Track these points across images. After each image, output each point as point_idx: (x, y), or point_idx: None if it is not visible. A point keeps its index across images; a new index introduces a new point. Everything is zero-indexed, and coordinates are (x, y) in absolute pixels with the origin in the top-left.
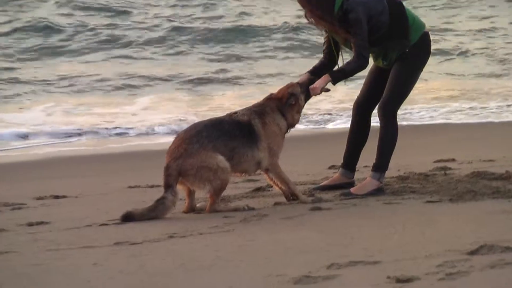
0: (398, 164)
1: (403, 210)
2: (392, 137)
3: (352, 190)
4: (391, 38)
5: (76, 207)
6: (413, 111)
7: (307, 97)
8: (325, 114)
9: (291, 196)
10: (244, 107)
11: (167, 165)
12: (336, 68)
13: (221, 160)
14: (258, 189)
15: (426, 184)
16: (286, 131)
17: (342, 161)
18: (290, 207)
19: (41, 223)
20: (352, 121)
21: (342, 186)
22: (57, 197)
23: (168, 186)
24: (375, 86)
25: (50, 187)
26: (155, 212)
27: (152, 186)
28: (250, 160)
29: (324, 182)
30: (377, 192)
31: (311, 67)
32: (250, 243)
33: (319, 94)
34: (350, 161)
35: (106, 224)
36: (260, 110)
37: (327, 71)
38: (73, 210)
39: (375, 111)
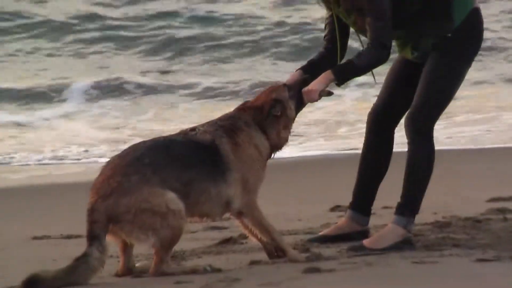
0: (434, 204)
1: (441, 272)
2: (426, 164)
3: (365, 242)
4: (425, 18)
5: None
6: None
7: (299, 104)
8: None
9: (276, 252)
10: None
11: (91, 207)
12: (341, 62)
13: (171, 199)
14: (227, 241)
15: (476, 234)
16: (270, 156)
17: (351, 199)
18: (274, 268)
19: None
20: (366, 140)
21: (351, 237)
22: None
23: (93, 237)
24: (399, 89)
25: None
26: (74, 276)
27: (69, 237)
28: (214, 198)
29: (325, 231)
30: (403, 245)
31: (305, 62)
32: None
33: (316, 100)
34: (362, 200)
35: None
36: (229, 125)
37: (329, 67)
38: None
39: (400, 125)
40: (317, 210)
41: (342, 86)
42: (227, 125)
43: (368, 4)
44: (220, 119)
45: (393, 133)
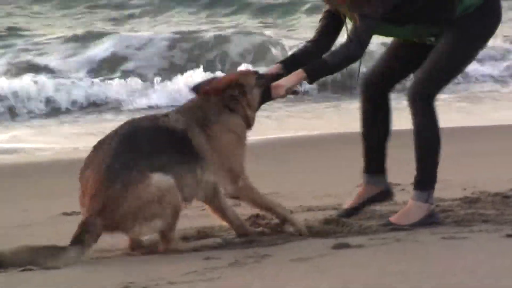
0: (463, 180)
1: (471, 247)
2: (433, 134)
3: (392, 219)
4: (431, 12)
5: None
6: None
7: (266, 96)
8: None
9: (282, 225)
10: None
11: (87, 220)
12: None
13: (158, 181)
14: (256, 217)
15: (505, 209)
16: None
17: (363, 164)
18: (304, 244)
19: None
20: (364, 110)
21: (375, 200)
22: None
23: (79, 241)
24: (400, 60)
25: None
26: (41, 260)
27: None
28: (193, 184)
29: (348, 203)
30: (429, 219)
31: (286, 55)
32: None
33: (282, 96)
34: (374, 161)
35: (30, 269)
36: (200, 118)
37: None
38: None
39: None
40: (349, 187)
41: (314, 83)
42: (198, 118)
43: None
44: (190, 108)
45: (387, 96)
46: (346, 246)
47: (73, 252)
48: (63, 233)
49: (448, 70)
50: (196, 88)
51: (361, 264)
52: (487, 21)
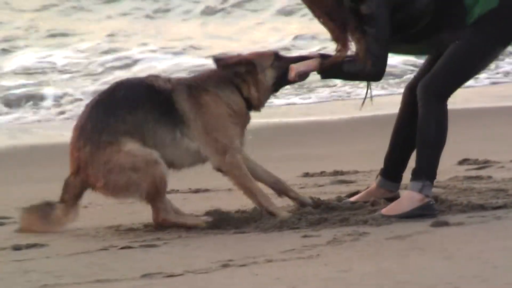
0: None
1: None
2: (437, 128)
3: (383, 211)
4: (440, 29)
5: (83, 222)
6: None
7: (282, 79)
8: None
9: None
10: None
11: (66, 181)
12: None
13: (132, 149)
14: (354, 195)
15: None
16: (248, 109)
17: (383, 166)
18: (402, 222)
19: (34, 246)
20: (400, 112)
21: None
22: None
23: (63, 200)
24: None
25: (43, 192)
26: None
27: (196, 191)
28: (172, 146)
29: (357, 197)
30: (421, 211)
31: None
32: (342, 275)
33: (294, 80)
34: (394, 168)
35: (130, 247)
36: (195, 85)
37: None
38: (79, 227)
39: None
40: (446, 164)
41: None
42: (193, 85)
43: (370, 27)
44: (187, 78)
45: None
46: (445, 224)
47: (59, 210)
48: None
49: (462, 70)
50: (218, 60)
51: (460, 241)
52: (503, 23)
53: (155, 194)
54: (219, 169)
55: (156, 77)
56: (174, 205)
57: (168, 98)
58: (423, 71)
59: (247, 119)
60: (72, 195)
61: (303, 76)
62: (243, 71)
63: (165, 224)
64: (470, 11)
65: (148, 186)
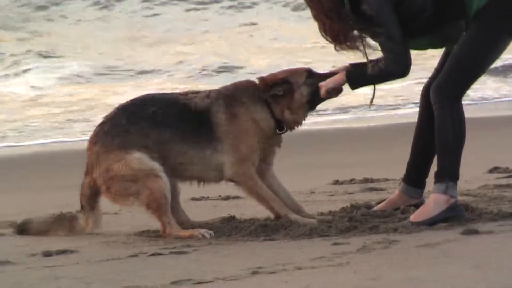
0: None
1: None
2: (454, 129)
3: (412, 217)
4: (443, 21)
5: (114, 228)
6: None
7: (315, 95)
8: None
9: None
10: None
11: (82, 182)
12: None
13: (136, 159)
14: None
15: None
16: (279, 130)
17: (405, 172)
18: (432, 230)
19: (64, 252)
20: (419, 115)
21: (407, 211)
22: None
23: (82, 207)
24: None
25: (74, 197)
26: (57, 226)
27: (226, 198)
28: (200, 163)
29: (379, 206)
30: (450, 212)
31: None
32: (372, 283)
33: (324, 97)
34: (416, 174)
35: (160, 254)
36: (232, 96)
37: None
38: (110, 233)
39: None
40: (476, 172)
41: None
42: (230, 95)
43: (376, 26)
44: (227, 88)
45: None
46: (475, 232)
47: (81, 218)
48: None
49: (471, 68)
50: (261, 79)
51: (491, 250)
52: (503, 13)
53: (156, 208)
54: (231, 179)
55: (195, 94)
56: (186, 215)
57: (204, 116)
58: (437, 72)
59: (274, 140)
60: (85, 198)
61: (334, 93)
62: (280, 92)
63: (170, 237)
64: (469, 4)
65: (147, 198)
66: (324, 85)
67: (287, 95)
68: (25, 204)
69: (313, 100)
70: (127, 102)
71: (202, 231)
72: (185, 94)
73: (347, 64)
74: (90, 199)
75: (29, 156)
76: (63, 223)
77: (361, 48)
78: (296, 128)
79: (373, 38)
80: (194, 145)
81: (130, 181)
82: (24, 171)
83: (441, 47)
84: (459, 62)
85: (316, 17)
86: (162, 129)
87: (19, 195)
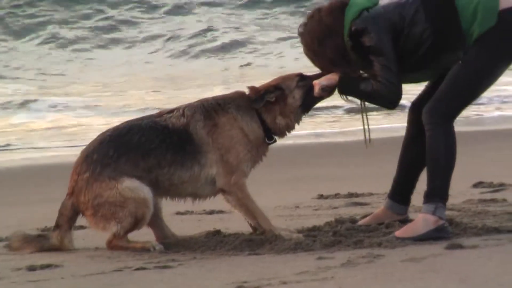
0: None
1: None
2: (445, 151)
3: (397, 233)
4: (441, 53)
5: (99, 242)
6: None
7: (308, 97)
8: None
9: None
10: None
11: (63, 201)
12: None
13: (127, 188)
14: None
15: None
16: (268, 140)
17: (390, 188)
18: (417, 245)
19: (49, 266)
20: (406, 131)
21: (392, 226)
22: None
23: (57, 226)
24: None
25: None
26: (39, 245)
27: (211, 212)
28: (192, 181)
29: (363, 221)
30: (436, 233)
31: None
32: None
33: (319, 95)
34: (401, 190)
35: (145, 268)
36: (214, 106)
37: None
38: (94, 248)
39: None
40: (460, 187)
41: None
42: (211, 107)
43: (375, 57)
44: (208, 100)
45: None
46: (460, 246)
47: (54, 239)
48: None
49: (466, 91)
50: (251, 89)
51: (477, 263)
52: (504, 41)
53: (130, 230)
54: (222, 189)
55: (170, 113)
56: (170, 230)
57: (183, 134)
58: (427, 89)
59: (262, 150)
60: (65, 218)
61: (327, 90)
62: (273, 98)
63: (114, 248)
64: (469, 33)
65: (129, 225)
66: (318, 82)
67: (279, 101)
68: (9, 218)
69: (307, 102)
70: (111, 131)
71: (152, 243)
72: (160, 115)
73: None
74: (70, 219)
75: (16, 169)
76: (33, 243)
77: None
78: (288, 133)
79: (371, 70)
80: (181, 165)
81: (119, 207)
82: (7, 184)
83: (436, 78)
84: (454, 86)
85: (323, 69)
86: (148, 157)
87: (3, 208)
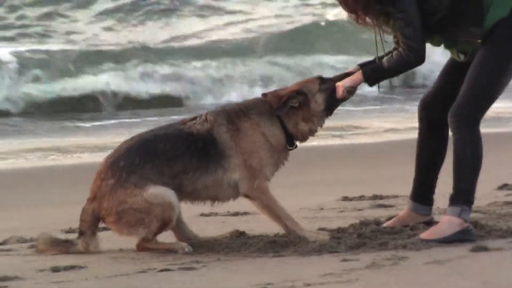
0: None
1: None
2: (472, 154)
3: (423, 235)
4: (456, 24)
5: (122, 244)
6: None
7: (331, 99)
8: None
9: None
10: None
11: (83, 207)
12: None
13: (152, 194)
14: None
15: None
16: (289, 145)
17: (411, 190)
18: (442, 247)
19: (73, 267)
20: (418, 129)
21: (417, 228)
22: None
23: (81, 233)
24: (451, 81)
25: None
26: (64, 249)
27: (235, 214)
28: (215, 185)
29: (388, 223)
30: (462, 235)
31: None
32: None
33: (342, 97)
34: (422, 190)
35: (169, 270)
36: (237, 111)
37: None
38: (118, 249)
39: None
40: (485, 189)
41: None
42: (233, 112)
43: (396, 10)
44: (230, 106)
45: (445, 122)
46: (485, 249)
47: (80, 245)
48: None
49: (487, 92)
50: (266, 95)
51: (501, 266)
52: None
53: (157, 233)
54: (246, 195)
55: (193, 120)
56: (191, 231)
57: (207, 139)
58: (437, 87)
59: (284, 156)
60: (87, 224)
61: (350, 91)
62: (296, 104)
63: (145, 250)
64: (488, 11)
65: (156, 229)
66: (342, 84)
67: (302, 106)
68: (34, 219)
69: (330, 105)
70: (136, 139)
71: (182, 245)
72: (184, 123)
73: (355, 66)
74: (93, 225)
75: (41, 170)
76: (60, 247)
77: (376, 29)
78: (310, 137)
79: (393, 25)
80: (205, 170)
81: (144, 213)
82: (32, 185)
83: (445, 47)
84: (476, 87)
85: (354, 11)
86: (174, 164)
87: (28, 209)
